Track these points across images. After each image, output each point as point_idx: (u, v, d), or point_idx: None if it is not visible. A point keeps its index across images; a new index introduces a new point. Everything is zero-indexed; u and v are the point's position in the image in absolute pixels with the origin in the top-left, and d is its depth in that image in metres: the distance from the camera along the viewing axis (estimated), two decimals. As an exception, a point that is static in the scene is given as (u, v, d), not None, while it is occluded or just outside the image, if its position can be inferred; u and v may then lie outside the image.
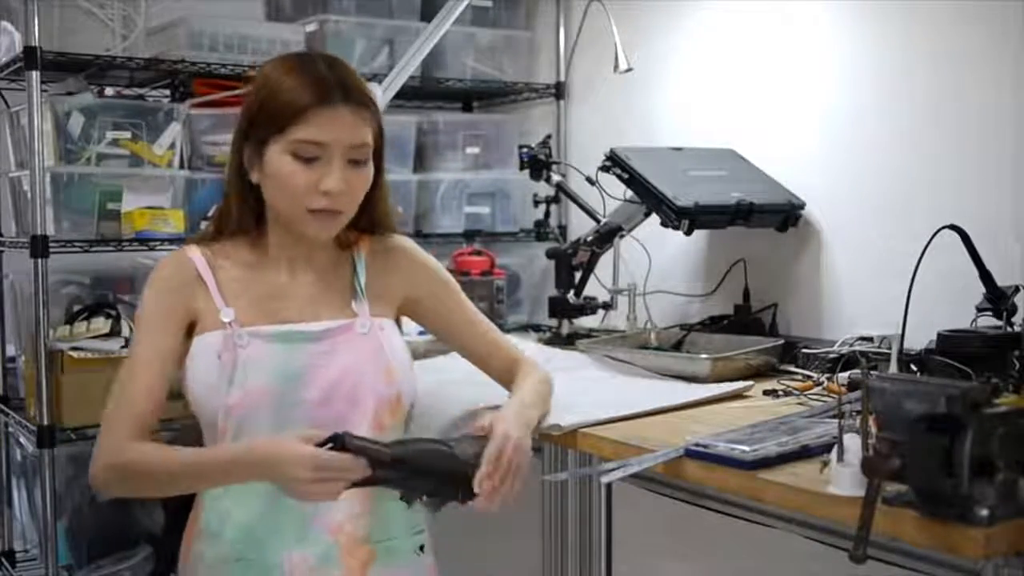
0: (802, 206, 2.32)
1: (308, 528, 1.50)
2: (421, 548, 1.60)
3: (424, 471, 1.41)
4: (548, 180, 2.72)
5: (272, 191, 1.51)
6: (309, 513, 1.49)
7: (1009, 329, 1.76)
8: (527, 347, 1.74)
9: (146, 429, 1.48)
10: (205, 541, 1.52)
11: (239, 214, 1.57)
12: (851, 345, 2.01)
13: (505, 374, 1.68)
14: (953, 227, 1.77)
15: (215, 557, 1.51)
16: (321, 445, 1.34)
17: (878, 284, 2.16)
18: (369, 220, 1.62)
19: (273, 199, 1.52)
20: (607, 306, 2.49)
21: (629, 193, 2.36)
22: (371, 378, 1.52)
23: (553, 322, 2.56)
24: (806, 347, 2.09)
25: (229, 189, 1.58)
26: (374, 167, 1.54)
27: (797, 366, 2.08)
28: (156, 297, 1.54)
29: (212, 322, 1.52)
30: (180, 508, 1.58)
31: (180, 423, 1.70)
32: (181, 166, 2.58)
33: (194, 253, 1.56)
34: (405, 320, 1.71)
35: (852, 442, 1.26)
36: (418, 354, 1.78)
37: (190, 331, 1.54)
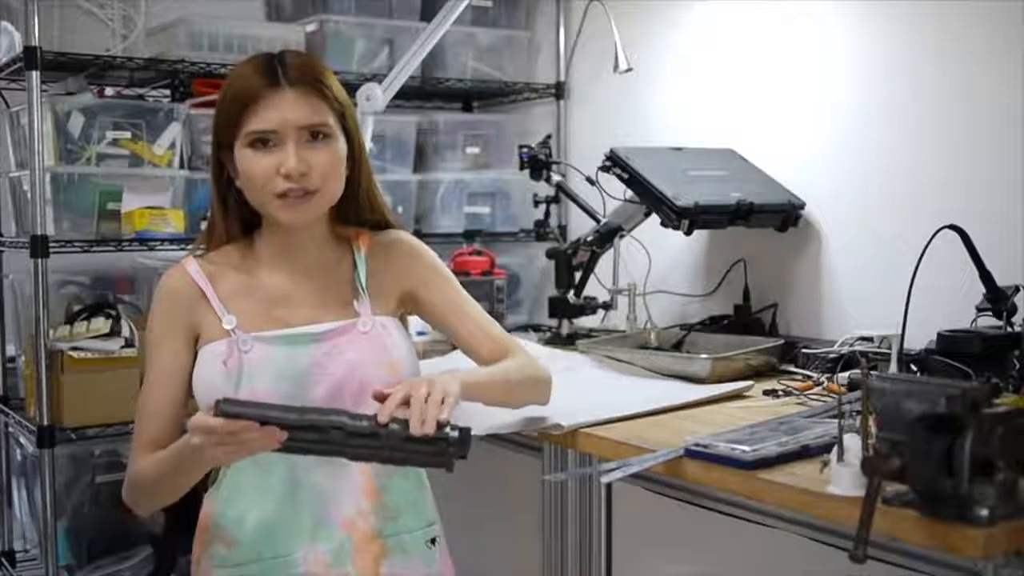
0: (802, 206, 2.32)
1: (322, 524, 1.51)
2: (432, 541, 1.60)
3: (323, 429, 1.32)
4: (548, 180, 2.72)
5: (244, 188, 1.52)
6: (321, 509, 1.50)
7: (1009, 329, 1.77)
8: (527, 347, 1.73)
9: (162, 447, 1.50)
10: (219, 543, 1.52)
11: (225, 225, 1.58)
12: (851, 345, 2.01)
13: (494, 363, 1.64)
14: (953, 227, 1.77)
15: (231, 559, 1.51)
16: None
17: (878, 284, 2.16)
18: (356, 209, 1.61)
19: (248, 196, 1.53)
20: (607, 306, 2.49)
21: (629, 193, 2.36)
22: (376, 375, 1.51)
23: (553, 322, 2.56)
24: (806, 347, 2.10)
25: (212, 201, 1.60)
26: (348, 149, 1.54)
27: (797, 366, 2.08)
28: (159, 317, 1.57)
29: (216, 332, 1.53)
30: (180, 508, 1.57)
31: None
32: (181, 166, 2.58)
33: (192, 266, 1.57)
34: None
35: (852, 442, 1.26)
36: (418, 355, 1.78)
37: (197, 344, 1.55)
